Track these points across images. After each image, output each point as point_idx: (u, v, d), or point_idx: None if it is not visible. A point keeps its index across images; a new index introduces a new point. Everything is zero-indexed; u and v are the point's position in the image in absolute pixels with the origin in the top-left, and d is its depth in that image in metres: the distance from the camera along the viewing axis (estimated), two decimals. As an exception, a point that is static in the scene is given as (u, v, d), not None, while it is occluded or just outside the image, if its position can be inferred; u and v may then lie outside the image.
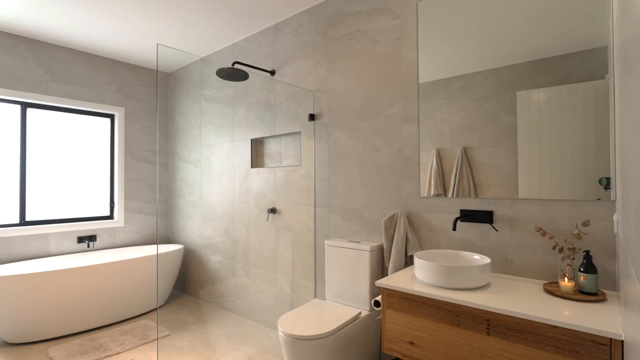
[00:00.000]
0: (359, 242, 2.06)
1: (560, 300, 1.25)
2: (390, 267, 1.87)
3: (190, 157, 3.52)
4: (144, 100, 3.70)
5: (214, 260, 3.21)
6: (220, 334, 2.61)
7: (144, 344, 2.47)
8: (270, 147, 2.81)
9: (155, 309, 3.14)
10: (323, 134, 2.35)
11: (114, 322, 2.83)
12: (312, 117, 2.41)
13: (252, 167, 2.86)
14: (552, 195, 1.48)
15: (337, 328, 1.71)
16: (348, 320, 1.80)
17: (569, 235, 1.44)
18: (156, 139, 3.79)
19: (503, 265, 1.61)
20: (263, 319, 2.74)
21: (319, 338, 1.64)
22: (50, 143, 3.15)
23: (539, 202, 1.52)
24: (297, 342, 1.64)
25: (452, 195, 1.75)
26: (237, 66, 2.90)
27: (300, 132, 2.52)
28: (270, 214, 2.69)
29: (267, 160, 2.84)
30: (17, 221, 2.96)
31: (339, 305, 2.02)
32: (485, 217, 1.65)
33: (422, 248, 1.87)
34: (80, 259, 3.16)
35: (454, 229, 1.59)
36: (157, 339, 2.54)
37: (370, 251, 1.94)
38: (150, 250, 3.53)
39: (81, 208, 3.33)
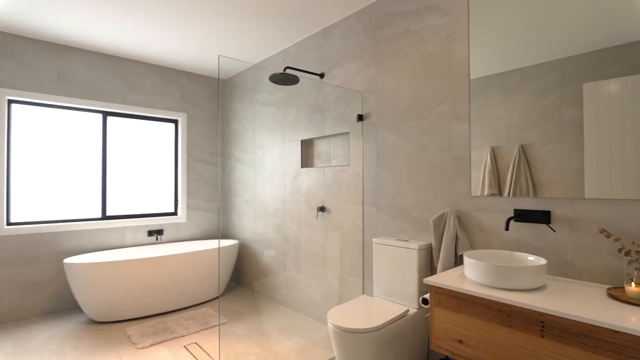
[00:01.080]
0: (407, 240, 2.07)
1: (626, 306, 1.18)
2: (439, 266, 1.87)
3: (245, 159, 3.74)
4: (203, 106, 4.01)
5: (267, 255, 3.39)
6: (273, 324, 2.76)
7: (205, 329, 2.69)
8: (320, 148, 2.91)
9: (214, 298, 3.39)
10: (371, 134, 2.40)
11: (179, 308, 3.12)
12: (360, 117, 2.47)
13: (302, 167, 2.98)
14: (626, 194, 1.38)
15: (384, 323, 1.75)
16: (396, 317, 1.83)
17: (637, 237, 1.35)
18: (217, 142, 4.09)
19: (561, 268, 1.54)
20: (312, 313, 2.85)
21: (367, 332, 1.70)
22: (125, 147, 3.55)
23: (603, 202, 1.43)
24: (346, 334, 1.71)
25: (509, 195, 1.70)
26: (288, 71, 3.04)
27: (348, 132, 2.58)
28: (320, 212, 2.78)
29: (316, 161, 2.95)
30: (99, 216, 3.38)
31: (387, 302, 2.06)
32: (541, 217, 1.59)
33: (472, 248, 1.84)
34: (151, 250, 3.51)
35: (507, 228, 1.55)
36: (218, 325, 2.75)
37: (419, 250, 1.95)
38: (209, 244, 3.81)
39: (151, 205, 3.70)
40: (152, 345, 2.42)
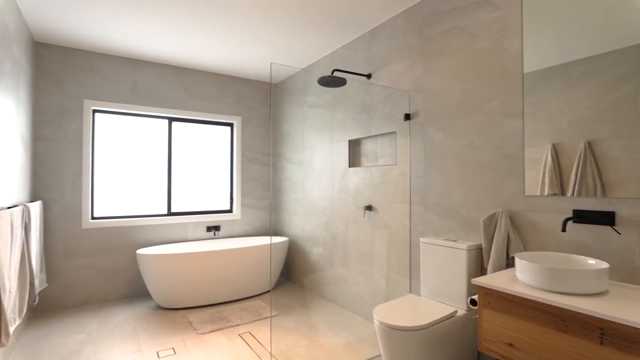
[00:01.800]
0: (455, 240, 2.04)
1: (702, 316, 1.08)
2: (490, 267, 1.81)
3: (295, 159, 3.89)
4: (256, 109, 4.24)
5: (315, 252, 3.50)
6: (321, 319, 2.85)
7: (258, 320, 2.86)
8: (367, 147, 2.95)
9: (265, 292, 3.57)
10: (418, 133, 2.38)
11: (234, 299, 3.33)
12: (407, 116, 2.46)
13: (349, 167, 3.04)
14: None
15: (431, 323, 1.75)
16: (443, 317, 1.81)
17: None
18: (269, 144, 4.30)
19: (628, 273, 1.43)
20: (359, 310, 2.89)
21: (413, 330, 1.71)
22: (187, 149, 3.87)
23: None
24: (392, 331, 1.73)
25: (572, 195, 1.60)
26: (335, 73, 3.12)
27: (395, 131, 2.59)
28: (367, 211, 2.82)
29: (363, 160, 2.98)
30: (165, 212, 3.72)
31: (434, 302, 2.04)
32: (603, 218, 1.48)
33: (525, 249, 1.76)
34: (209, 244, 3.80)
35: (563, 230, 1.47)
36: (270, 317, 2.91)
37: (468, 250, 1.91)
38: (261, 240, 4.02)
39: (209, 202, 3.99)
40: (211, 331, 2.63)
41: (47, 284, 2.94)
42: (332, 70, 3.01)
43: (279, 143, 4.25)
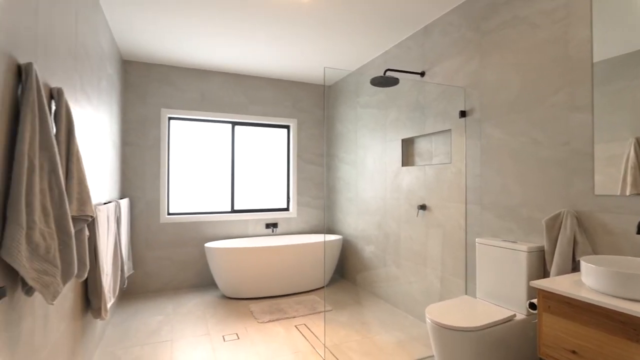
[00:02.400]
0: (514, 242, 1.95)
1: None
2: (553, 270, 1.72)
3: (348, 159, 3.96)
4: (311, 111, 4.39)
5: (368, 250, 3.54)
6: (373, 316, 2.89)
7: (312, 314, 2.98)
8: (420, 146, 2.92)
9: (320, 288, 3.70)
10: (475, 130, 2.31)
11: (290, 293, 3.51)
12: (463, 113, 2.40)
13: (402, 166, 3.03)
14: None
15: (486, 325, 1.71)
16: (500, 320, 1.75)
17: None
18: (323, 144, 4.43)
19: None
20: (412, 310, 2.87)
21: (466, 330, 1.68)
22: (248, 151, 4.15)
23: None
24: (445, 331, 1.73)
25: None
26: (388, 73, 3.13)
27: (450, 129, 2.54)
28: (420, 211, 2.79)
29: (417, 159, 2.96)
30: (229, 209, 4.03)
31: (491, 304, 1.97)
32: (688, 219, 1.33)
33: (594, 253, 1.64)
34: (268, 240, 4.03)
35: (638, 232, 1.35)
36: (324, 312, 3.02)
37: (528, 252, 1.82)
38: (316, 238, 4.16)
39: (268, 201, 4.24)
40: (269, 321, 2.82)
41: (133, 271, 3.37)
42: (384, 70, 3.03)
43: (332, 144, 4.35)
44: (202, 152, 3.94)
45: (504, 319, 1.77)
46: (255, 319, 2.87)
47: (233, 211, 4.03)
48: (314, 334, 2.58)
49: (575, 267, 1.70)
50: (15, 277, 1.13)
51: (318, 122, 4.43)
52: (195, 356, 2.25)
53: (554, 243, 1.77)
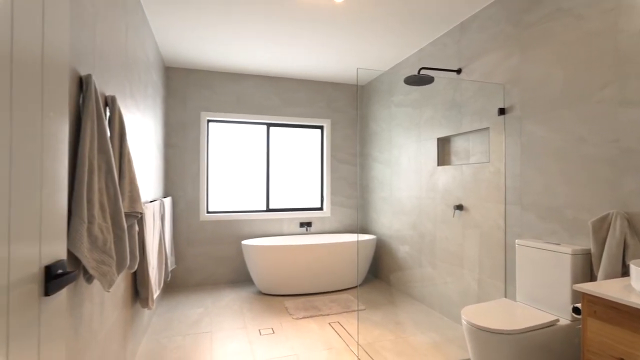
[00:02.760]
0: (558, 244, 1.86)
1: None
2: (600, 274, 1.62)
3: (382, 158, 3.94)
4: (344, 111, 4.41)
5: (402, 250, 3.50)
6: (408, 317, 2.86)
7: (346, 312, 3.01)
8: (457, 145, 2.85)
9: (353, 287, 3.71)
10: (514, 128, 2.23)
11: (324, 291, 3.55)
12: (502, 111, 2.32)
13: (438, 165, 2.97)
14: None
15: (527, 328, 1.65)
16: (541, 324, 1.69)
17: None
18: (356, 144, 4.44)
19: None
20: (448, 312, 2.81)
21: (505, 333, 1.64)
22: (282, 152, 4.25)
23: None
24: (481, 333, 1.69)
25: None
26: (422, 72, 3.08)
27: (488, 127, 2.46)
28: (457, 211, 2.73)
29: (453, 158, 2.89)
30: (264, 208, 4.15)
31: (532, 308, 1.90)
32: None
33: (649, 257, 1.53)
34: (302, 239, 4.10)
35: (699, 235, 1.25)
36: (357, 310, 3.04)
37: (573, 255, 1.74)
38: (350, 237, 4.17)
39: (302, 200, 4.31)
40: (304, 317, 2.88)
41: (175, 265, 3.57)
42: (418, 69, 2.99)
43: (366, 143, 4.35)
44: (238, 152, 4.09)
45: (545, 323, 1.70)
46: (290, 315, 2.94)
47: (268, 210, 4.14)
48: (347, 331, 2.61)
49: (625, 272, 1.60)
50: (78, 266, 1.26)
51: (352, 121, 4.45)
52: (233, 348, 2.35)
53: (601, 245, 1.67)
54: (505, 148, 2.30)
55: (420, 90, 3.20)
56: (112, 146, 1.53)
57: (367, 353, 2.27)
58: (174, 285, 3.72)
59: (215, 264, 3.87)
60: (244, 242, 3.59)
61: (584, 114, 1.82)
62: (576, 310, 1.47)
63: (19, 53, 0.60)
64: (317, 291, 3.53)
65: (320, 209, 4.37)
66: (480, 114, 2.51)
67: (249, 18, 2.67)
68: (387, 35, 2.96)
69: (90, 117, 1.28)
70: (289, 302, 3.24)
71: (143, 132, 2.49)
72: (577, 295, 1.75)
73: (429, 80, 2.60)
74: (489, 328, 1.66)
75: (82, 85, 1.30)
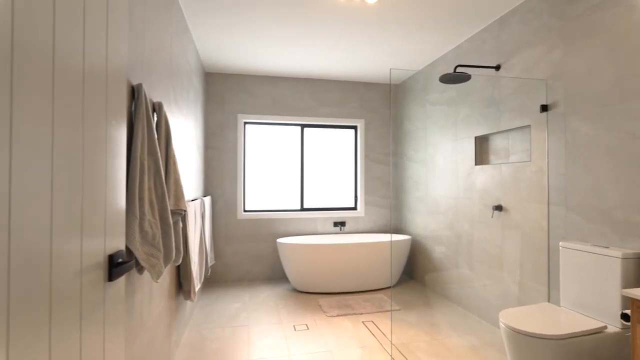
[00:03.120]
0: (607, 247, 1.76)
1: None
2: (655, 281, 1.52)
3: (417, 157, 3.88)
4: (379, 111, 4.40)
5: (438, 251, 3.43)
6: (444, 319, 2.81)
7: (380, 312, 3.01)
8: (496, 144, 2.76)
9: (387, 287, 3.69)
10: (558, 125, 2.13)
11: (358, 290, 3.57)
12: (544, 107, 2.22)
13: (475, 165, 2.89)
14: None
15: (571, 334, 1.58)
16: (587, 331, 1.60)
17: None
18: (389, 143, 4.41)
19: None
20: (486, 315, 2.73)
21: (547, 338, 1.57)
22: (316, 152, 4.31)
23: None
24: (521, 337, 1.63)
25: None
26: (459, 69, 3.01)
27: (529, 125, 2.36)
28: (496, 211, 2.64)
29: (492, 157, 2.80)
30: (298, 208, 4.23)
31: (577, 314, 1.81)
32: None
33: None
34: (336, 238, 4.14)
35: None
36: (390, 311, 3.03)
37: (624, 259, 1.63)
38: (384, 237, 4.15)
39: (336, 200, 4.35)
40: (337, 315, 2.91)
41: (214, 261, 3.74)
42: (454, 66, 2.92)
43: (400, 142, 4.30)
44: (273, 153, 4.20)
45: (592, 329, 1.61)
46: (324, 312, 2.99)
47: (302, 209, 4.22)
48: (381, 331, 2.61)
49: (685, 279, 1.48)
50: (130, 258, 1.38)
51: (386, 121, 4.42)
52: (269, 342, 2.43)
53: (656, 250, 1.56)
54: (548, 146, 2.20)
55: (457, 88, 3.13)
56: (159, 148, 1.65)
57: (400, 353, 2.26)
58: (213, 281, 3.90)
59: (251, 261, 4.00)
60: (279, 240, 3.68)
61: (636, 110, 1.70)
62: (625, 317, 1.39)
63: (89, 69, 0.68)
64: (351, 290, 3.55)
65: (354, 208, 4.38)
66: (520, 111, 2.42)
67: (283, 22, 2.75)
68: (422, 33, 2.92)
69: (141, 122, 1.39)
70: (323, 300, 3.29)
71: (185, 135, 2.64)
72: (627, 301, 1.64)
73: (465, 78, 2.54)
74: (529, 332, 1.61)
75: (134, 93, 1.42)
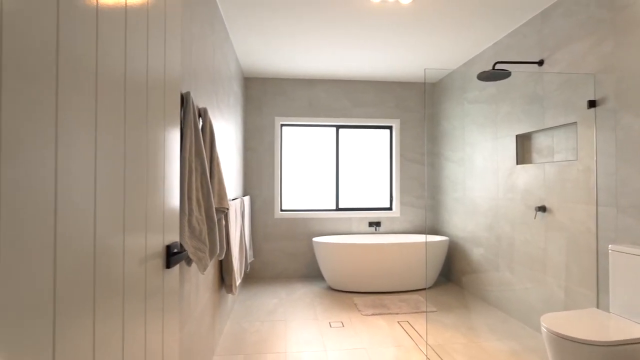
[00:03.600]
0: (663, 251, 1.65)
1: None
2: None
3: (454, 157, 3.80)
4: (414, 110, 4.35)
5: (477, 253, 3.34)
6: (482, 322, 2.74)
7: (415, 312, 2.99)
8: (539, 142, 2.65)
9: (423, 289, 3.65)
10: (608, 122, 2.01)
11: (393, 291, 3.56)
12: (592, 103, 2.11)
13: (517, 164, 2.79)
14: None
15: (621, 341, 1.50)
16: (639, 339, 1.51)
17: None
18: (427, 143, 4.35)
19: None
20: (528, 319, 2.62)
21: (595, 344, 1.51)
22: (351, 152, 4.34)
23: None
24: (565, 342, 1.58)
25: None
26: (498, 66, 2.92)
27: (575, 122, 2.25)
28: (539, 212, 2.54)
29: (534, 156, 2.69)
30: (334, 207, 4.29)
31: (628, 321, 1.70)
32: None
33: None
34: (371, 238, 4.15)
35: None
36: (426, 312, 3.00)
37: (682, 264, 1.52)
38: (420, 238, 4.10)
39: (371, 200, 4.36)
40: (372, 314, 2.93)
41: (253, 258, 3.90)
42: (493, 63, 2.84)
43: (437, 142, 4.23)
44: (309, 154, 4.30)
45: (645, 339, 1.52)
46: (359, 311, 3.02)
47: (338, 209, 4.27)
48: (416, 331, 2.60)
49: None
50: (182, 250, 1.51)
51: (422, 120, 4.36)
52: (305, 336, 2.51)
53: None
54: (597, 144, 2.08)
55: (497, 85, 3.03)
56: (205, 151, 1.78)
57: (436, 353, 2.25)
58: (252, 277, 4.06)
59: (288, 259, 4.12)
60: (315, 239, 3.76)
61: (697, 103, 1.58)
62: (682, 326, 1.30)
63: (152, 83, 0.78)
64: (387, 290, 3.55)
65: (390, 209, 4.36)
66: (565, 107, 2.31)
67: (319, 26, 2.82)
68: (460, 30, 2.87)
69: (189, 127, 1.52)
70: (358, 299, 3.32)
71: (226, 137, 2.79)
72: (687, 310, 1.53)
73: (504, 74, 2.47)
74: (575, 338, 1.55)
75: (183, 101, 1.55)
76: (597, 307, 2.08)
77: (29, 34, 0.42)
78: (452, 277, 3.88)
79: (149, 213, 0.76)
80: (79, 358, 0.51)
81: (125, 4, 0.66)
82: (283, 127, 4.27)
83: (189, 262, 1.57)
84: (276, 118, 4.15)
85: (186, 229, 1.43)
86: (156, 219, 0.80)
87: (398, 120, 4.31)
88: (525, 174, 2.69)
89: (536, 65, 2.56)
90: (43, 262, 0.44)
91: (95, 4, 0.56)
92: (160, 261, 0.82)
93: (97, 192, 0.56)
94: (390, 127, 4.40)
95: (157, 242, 0.81)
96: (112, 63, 0.61)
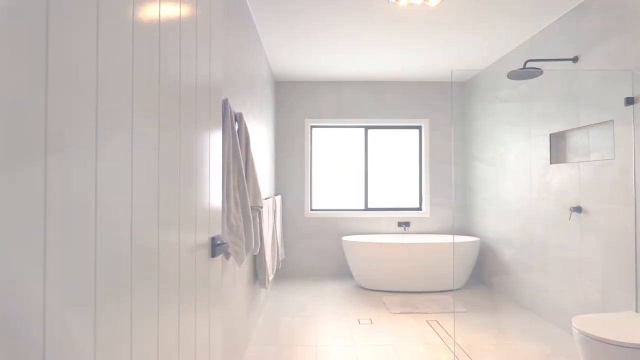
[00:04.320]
0: None
1: None
2: None
3: (485, 157, 3.74)
4: (444, 110, 4.31)
5: (508, 255, 3.28)
6: (513, 324, 2.70)
7: (445, 312, 2.99)
8: (574, 141, 2.58)
9: (454, 289, 3.62)
10: (647, 119, 1.95)
11: (422, 290, 3.56)
12: (630, 100, 2.05)
13: (551, 164, 2.73)
14: None
15: (656, 346, 1.46)
16: (677, 343, 1.47)
17: None
18: (456, 144, 4.30)
19: None
20: (562, 323, 2.56)
21: (624, 346, 1.48)
22: (380, 153, 4.38)
23: None
24: (595, 343, 1.56)
25: None
26: (529, 64, 2.86)
27: (613, 120, 2.18)
28: (574, 213, 2.47)
29: (569, 155, 2.62)
30: (362, 207, 4.35)
31: (669, 326, 1.65)
32: None
33: None
34: (400, 238, 4.17)
35: None
36: (453, 312, 2.99)
37: None
38: (449, 238, 4.06)
39: (400, 200, 4.37)
40: (401, 313, 2.97)
41: (284, 256, 4.03)
42: (524, 61, 2.79)
43: (467, 141, 4.17)
44: (339, 154, 4.38)
45: (684, 343, 1.47)
46: (387, 309, 3.07)
47: (367, 209, 4.33)
48: (445, 331, 2.61)
49: None
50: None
51: (452, 120, 4.32)
52: (334, 331, 2.60)
53: None
54: (635, 142, 2.02)
55: (529, 83, 2.97)
56: (240, 153, 1.92)
57: (465, 353, 2.26)
58: (283, 274, 4.21)
59: (318, 257, 4.23)
60: (344, 238, 3.84)
61: None
62: None
63: (201, 90, 0.90)
64: (416, 290, 3.56)
65: (419, 209, 4.36)
66: (602, 105, 2.24)
67: (348, 30, 2.90)
68: (490, 28, 2.84)
69: (227, 131, 1.65)
70: (387, 298, 3.36)
71: (260, 140, 2.94)
72: None
73: (536, 73, 2.43)
74: (609, 340, 1.53)
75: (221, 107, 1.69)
76: (637, 310, 2.01)
77: (73, 45, 0.53)
78: (483, 278, 3.82)
79: (198, 211, 0.88)
80: (146, 334, 0.63)
81: (180, 17, 0.78)
82: (313, 129, 4.38)
83: (227, 255, 1.71)
84: (306, 120, 4.27)
85: (225, 225, 1.56)
86: (203, 214, 0.92)
87: (427, 120, 4.30)
88: (560, 174, 2.62)
89: (570, 62, 2.50)
90: (121, 254, 0.56)
91: (157, 19, 0.68)
92: (206, 251, 0.94)
93: (160, 200, 0.68)
94: (419, 127, 4.39)
95: (204, 234, 0.93)
96: (169, 73, 0.73)
